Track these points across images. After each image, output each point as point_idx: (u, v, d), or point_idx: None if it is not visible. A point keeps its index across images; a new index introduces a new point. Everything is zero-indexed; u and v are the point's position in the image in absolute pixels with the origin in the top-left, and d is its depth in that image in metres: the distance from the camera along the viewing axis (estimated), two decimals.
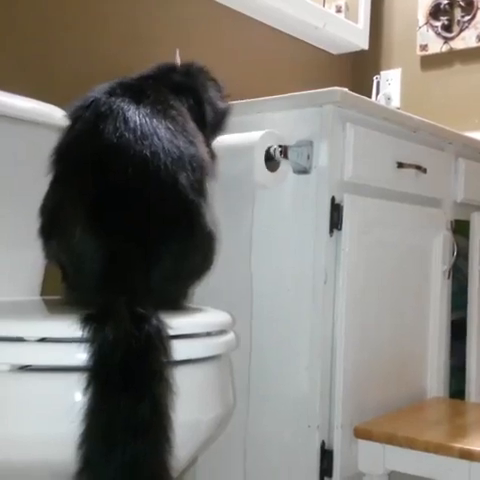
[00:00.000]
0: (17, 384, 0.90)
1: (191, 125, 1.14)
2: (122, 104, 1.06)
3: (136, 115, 1.05)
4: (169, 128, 1.07)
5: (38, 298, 1.32)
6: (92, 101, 1.07)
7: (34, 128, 1.27)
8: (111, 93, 1.08)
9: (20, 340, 0.91)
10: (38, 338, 0.91)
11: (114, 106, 1.05)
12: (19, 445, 0.90)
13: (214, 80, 1.37)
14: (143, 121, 1.05)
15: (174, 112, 1.11)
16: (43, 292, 1.35)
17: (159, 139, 1.04)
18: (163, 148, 1.04)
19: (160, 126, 1.06)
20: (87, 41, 1.62)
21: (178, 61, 1.57)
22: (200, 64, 1.38)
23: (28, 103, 1.29)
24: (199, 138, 1.14)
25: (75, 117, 1.08)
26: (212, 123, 1.31)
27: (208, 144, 1.22)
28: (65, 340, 0.90)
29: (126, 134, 1.03)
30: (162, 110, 1.09)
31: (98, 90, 1.10)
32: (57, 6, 1.57)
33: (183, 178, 1.05)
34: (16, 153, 1.28)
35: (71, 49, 1.59)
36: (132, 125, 1.03)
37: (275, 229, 1.47)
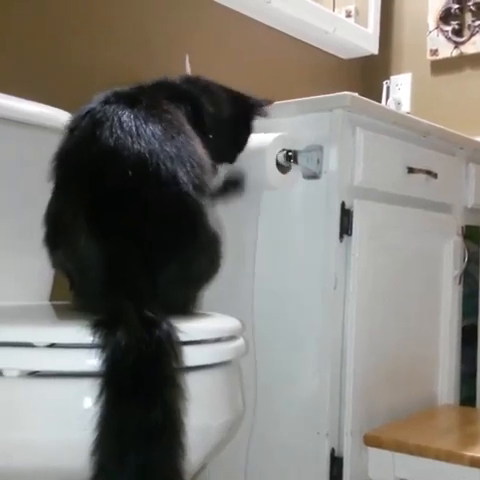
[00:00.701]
0: (26, 390, 0.90)
1: (188, 128, 1.14)
2: (117, 110, 1.07)
3: (131, 119, 1.05)
4: (166, 129, 1.07)
5: (47, 303, 1.32)
6: (88, 111, 1.08)
7: (41, 132, 1.27)
8: (106, 102, 1.10)
9: (29, 345, 0.90)
10: (47, 344, 0.90)
11: (109, 112, 1.06)
12: (28, 451, 0.90)
13: (240, 99, 1.35)
14: (138, 123, 1.05)
15: (169, 116, 1.11)
16: (52, 298, 1.35)
17: (156, 139, 1.04)
18: (161, 147, 1.04)
19: (156, 128, 1.06)
20: (94, 46, 1.62)
21: (188, 66, 1.57)
22: (222, 85, 1.36)
23: (35, 107, 1.29)
24: (196, 140, 1.13)
25: (73, 127, 1.09)
26: (219, 148, 1.28)
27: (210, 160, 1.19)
28: (74, 346, 0.90)
29: (122, 136, 1.03)
30: (157, 114, 1.09)
31: (93, 101, 1.12)
32: (64, 12, 1.57)
33: (184, 174, 1.04)
34: (25, 157, 1.28)
35: (78, 54, 1.59)
36: (128, 128, 1.04)
37: (285, 234, 1.46)
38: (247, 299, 1.47)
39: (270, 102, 1.38)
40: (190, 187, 1.04)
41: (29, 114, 1.27)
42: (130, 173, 1.01)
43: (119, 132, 1.03)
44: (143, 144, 1.02)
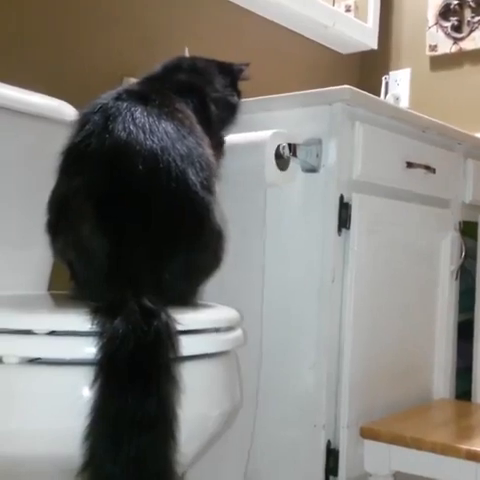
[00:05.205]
0: (26, 377, 0.90)
1: (198, 128, 1.15)
2: (130, 106, 1.07)
3: (144, 116, 1.06)
4: (177, 129, 1.08)
5: (46, 293, 1.32)
6: (100, 106, 1.09)
7: (44, 124, 1.27)
8: (118, 98, 1.10)
9: (29, 333, 0.90)
10: (47, 331, 0.91)
11: (122, 108, 1.07)
12: (27, 439, 0.90)
13: (225, 68, 1.40)
14: (151, 120, 1.06)
15: (181, 115, 1.13)
16: (50, 288, 1.35)
17: (168, 137, 1.05)
18: (172, 145, 1.05)
19: (168, 127, 1.07)
20: (96, 40, 1.63)
21: None
22: (207, 58, 1.40)
23: (38, 98, 1.29)
24: (205, 141, 1.15)
25: (84, 121, 1.09)
26: (221, 118, 1.33)
27: (214, 144, 1.22)
28: (74, 333, 0.90)
29: (135, 132, 1.03)
30: (169, 113, 1.10)
31: (105, 96, 1.12)
32: (69, 7, 1.58)
33: (193, 174, 1.05)
34: (26, 148, 1.28)
35: (80, 46, 1.59)
36: (140, 124, 1.05)
37: (283, 228, 1.47)
38: (257, 292, 1.46)
39: (247, 64, 1.45)
40: (198, 186, 1.06)
41: (33, 105, 1.27)
42: (141, 167, 1.01)
43: (132, 127, 1.04)
44: (155, 141, 1.03)
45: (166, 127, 1.06)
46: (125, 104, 1.08)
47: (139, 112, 1.06)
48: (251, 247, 1.46)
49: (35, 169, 1.27)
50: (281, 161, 1.43)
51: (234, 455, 1.43)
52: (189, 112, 1.17)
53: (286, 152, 1.42)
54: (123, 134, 1.03)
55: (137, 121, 1.05)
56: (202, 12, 1.90)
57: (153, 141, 1.03)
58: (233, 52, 1.98)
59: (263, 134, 1.42)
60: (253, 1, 2.02)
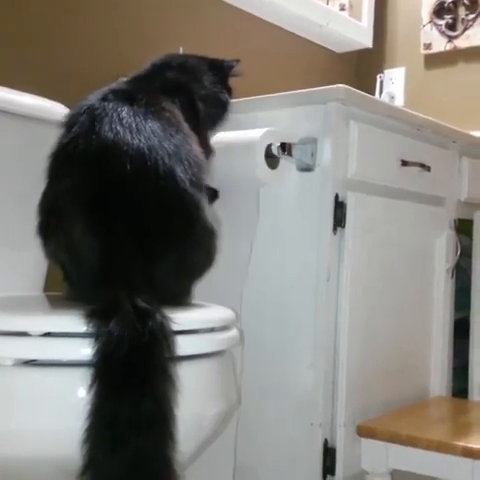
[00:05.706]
0: (21, 379, 0.90)
1: (185, 126, 1.15)
2: (116, 106, 1.07)
3: (130, 115, 1.06)
4: (164, 128, 1.08)
5: (42, 294, 1.32)
6: (87, 108, 1.08)
7: (37, 125, 1.27)
8: (104, 99, 1.10)
9: (24, 335, 0.90)
10: (42, 333, 0.91)
11: (108, 109, 1.07)
12: (23, 441, 0.90)
13: (215, 65, 1.39)
14: (138, 120, 1.06)
15: (168, 114, 1.13)
16: (46, 289, 1.35)
17: (155, 136, 1.05)
18: (160, 144, 1.05)
19: (155, 126, 1.07)
20: (91, 39, 1.62)
21: None
22: (197, 55, 1.39)
23: (31, 100, 1.29)
24: (193, 138, 1.15)
25: (71, 123, 1.09)
26: (210, 115, 1.32)
27: (203, 142, 1.22)
28: (69, 335, 0.90)
29: (122, 132, 1.03)
30: (156, 112, 1.10)
31: (91, 98, 1.12)
32: (65, 7, 1.58)
33: (181, 172, 1.05)
34: (20, 150, 1.28)
35: (75, 46, 1.59)
36: (127, 124, 1.05)
37: (279, 227, 1.47)
38: (237, 291, 1.46)
39: (238, 60, 1.43)
40: (187, 183, 1.05)
41: (25, 107, 1.27)
42: (129, 167, 1.01)
43: (119, 127, 1.04)
44: (143, 140, 1.03)
45: (153, 126, 1.06)
46: (111, 104, 1.07)
47: (125, 112, 1.06)
48: (240, 247, 1.46)
49: (29, 170, 1.26)
50: (272, 160, 1.43)
51: (220, 455, 1.43)
52: (176, 110, 1.17)
53: (277, 151, 1.42)
54: (110, 134, 1.03)
55: (124, 121, 1.04)
56: (198, 13, 1.90)
57: (140, 140, 1.03)
58: (228, 52, 1.97)
59: (254, 133, 1.42)
60: (248, 1, 2.02)
